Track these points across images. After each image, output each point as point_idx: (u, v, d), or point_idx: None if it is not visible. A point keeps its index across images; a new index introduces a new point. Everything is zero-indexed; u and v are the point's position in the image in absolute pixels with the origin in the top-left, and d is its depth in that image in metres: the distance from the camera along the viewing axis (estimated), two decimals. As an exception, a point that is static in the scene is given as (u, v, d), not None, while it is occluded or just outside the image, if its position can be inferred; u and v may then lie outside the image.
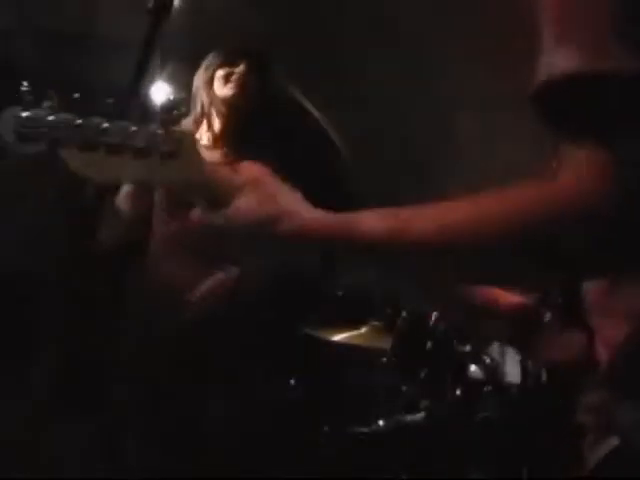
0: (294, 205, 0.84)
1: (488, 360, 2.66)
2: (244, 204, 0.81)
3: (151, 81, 3.09)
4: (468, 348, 2.66)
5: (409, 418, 2.83)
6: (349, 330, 3.15)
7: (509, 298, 1.23)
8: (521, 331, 1.17)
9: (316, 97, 5.02)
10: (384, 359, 2.83)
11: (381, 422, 2.83)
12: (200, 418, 2.15)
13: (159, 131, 0.80)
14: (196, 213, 0.83)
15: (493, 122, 3.71)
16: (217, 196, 0.82)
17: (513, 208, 0.75)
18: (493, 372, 2.64)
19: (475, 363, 2.69)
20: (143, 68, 1.17)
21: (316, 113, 5.16)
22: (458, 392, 2.60)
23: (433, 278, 0.86)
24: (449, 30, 3.55)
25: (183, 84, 2.54)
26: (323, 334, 3.13)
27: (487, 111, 3.72)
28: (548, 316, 1.15)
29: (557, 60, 0.74)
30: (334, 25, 4.08)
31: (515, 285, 0.91)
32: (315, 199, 0.89)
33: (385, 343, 2.94)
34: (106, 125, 0.81)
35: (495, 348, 2.94)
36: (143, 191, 2.42)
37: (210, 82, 2.76)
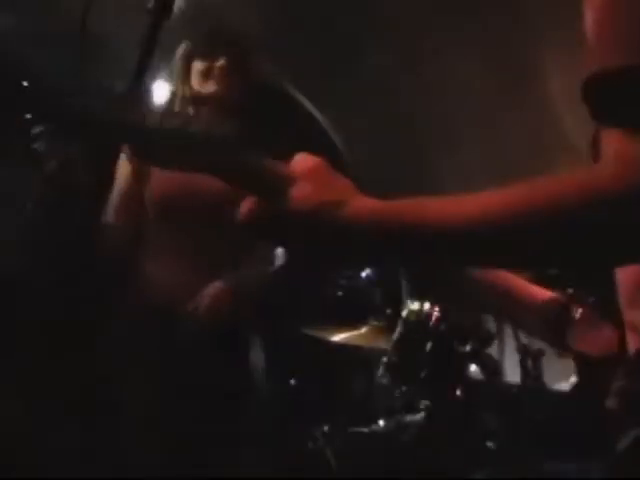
0: (351, 192, 0.87)
1: (489, 360, 2.66)
2: (303, 192, 0.84)
3: (151, 81, 3.09)
4: (468, 348, 2.66)
5: (409, 418, 2.83)
6: (349, 330, 3.14)
7: (542, 293, 1.25)
8: (554, 326, 1.19)
9: (313, 94, 5.02)
10: (384, 359, 2.83)
11: (381, 422, 2.84)
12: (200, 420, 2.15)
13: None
14: (254, 203, 0.85)
15: (492, 119, 3.71)
16: (274, 186, 0.84)
17: (559, 195, 0.78)
18: (493, 372, 2.64)
19: (475, 363, 2.69)
20: (143, 68, 1.17)
21: (312, 110, 5.16)
22: (458, 392, 2.61)
23: (480, 261, 0.92)
24: (448, 26, 3.55)
25: None
26: (323, 334, 3.13)
27: (486, 108, 3.72)
28: (580, 311, 1.17)
29: (602, 57, 0.81)
30: (332, 22, 4.08)
31: (554, 267, 0.95)
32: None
33: (385, 343, 2.94)
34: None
35: (495, 348, 2.95)
36: (131, 203, 2.39)
37: (187, 74, 2.46)
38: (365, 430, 2.80)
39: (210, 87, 2.40)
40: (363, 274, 3.61)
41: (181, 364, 2.14)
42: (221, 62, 2.42)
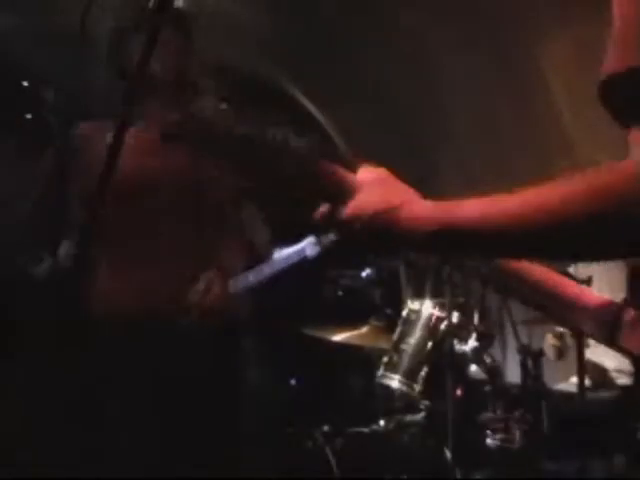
0: (410, 196, 0.97)
1: (489, 360, 2.66)
2: (368, 196, 0.95)
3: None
4: (468, 348, 2.66)
5: (409, 418, 2.83)
6: (349, 330, 3.14)
7: (591, 296, 1.31)
8: (609, 326, 1.24)
9: (314, 92, 5.02)
10: (384, 359, 2.83)
11: (381, 422, 2.84)
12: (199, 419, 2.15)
13: (291, 133, 0.97)
14: (324, 208, 0.98)
15: (493, 117, 3.70)
16: (345, 193, 0.96)
17: (590, 190, 0.83)
18: (493, 372, 2.64)
19: (475, 363, 2.69)
20: (143, 68, 1.17)
21: (312, 109, 5.17)
22: (458, 392, 2.61)
23: (520, 254, 1.02)
24: (448, 25, 3.55)
25: None
26: (323, 334, 3.13)
27: (486, 108, 3.72)
28: (630, 313, 1.21)
29: (617, 58, 0.84)
30: (332, 22, 4.08)
31: (588, 259, 1.02)
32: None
33: (385, 343, 2.94)
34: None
35: (496, 348, 2.95)
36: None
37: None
38: (365, 430, 2.80)
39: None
40: (363, 274, 3.61)
41: (180, 364, 2.14)
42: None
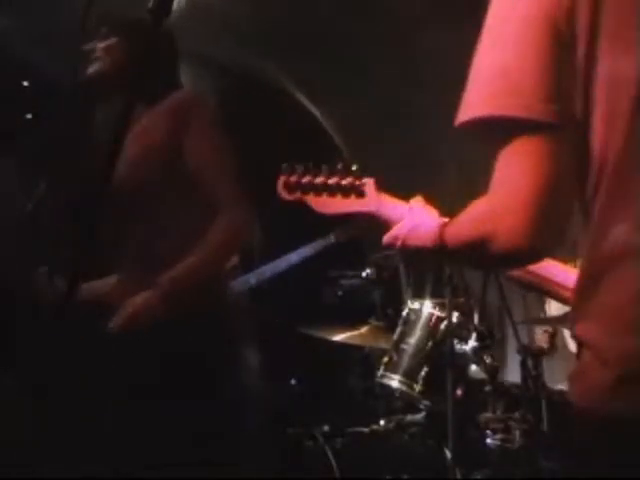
0: (435, 221, 1.41)
1: (489, 360, 2.66)
2: (401, 226, 1.46)
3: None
4: (468, 348, 2.66)
5: (409, 418, 2.84)
6: (349, 330, 3.14)
7: None
8: None
9: (314, 89, 5.02)
10: (385, 359, 2.83)
11: (381, 422, 2.84)
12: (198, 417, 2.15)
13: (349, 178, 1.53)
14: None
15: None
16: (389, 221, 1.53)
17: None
18: (493, 372, 2.64)
19: (476, 363, 2.69)
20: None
21: (312, 108, 5.17)
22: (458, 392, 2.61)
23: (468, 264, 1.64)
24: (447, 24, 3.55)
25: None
26: (323, 334, 3.13)
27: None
28: None
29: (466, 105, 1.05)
30: (332, 22, 4.08)
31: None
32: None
33: (385, 343, 2.94)
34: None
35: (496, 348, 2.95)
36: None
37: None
38: (365, 430, 2.80)
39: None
40: (363, 274, 3.61)
41: (180, 363, 2.13)
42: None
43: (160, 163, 2.14)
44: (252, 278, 3.68)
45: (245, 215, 2.14)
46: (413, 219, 1.44)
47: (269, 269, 3.73)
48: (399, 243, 1.41)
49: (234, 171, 2.15)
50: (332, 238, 3.77)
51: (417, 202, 1.52)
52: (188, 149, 2.13)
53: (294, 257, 3.76)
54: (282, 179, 1.69)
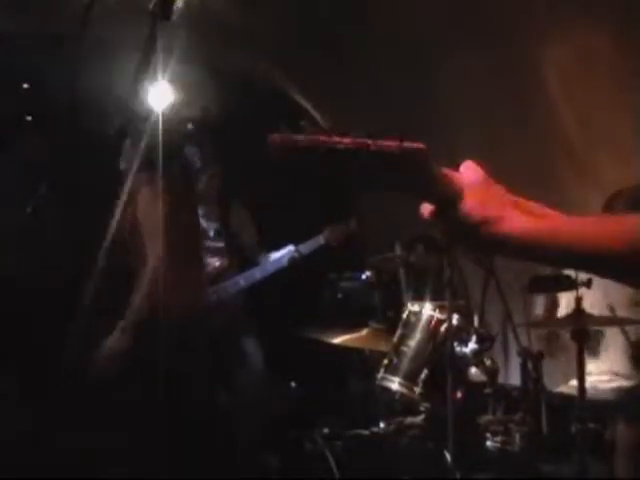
0: (508, 207, 1.03)
1: (489, 362, 2.65)
2: (472, 204, 1.01)
3: (152, 81, 3.08)
4: (468, 350, 2.66)
5: (409, 420, 2.83)
6: (349, 332, 3.14)
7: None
8: None
9: (313, 94, 5.03)
10: (384, 361, 2.82)
11: (381, 424, 2.83)
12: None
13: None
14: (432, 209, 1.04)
15: (493, 115, 3.70)
16: (448, 195, 1.00)
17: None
18: (493, 374, 2.63)
19: (475, 365, 2.69)
20: (144, 69, 1.17)
21: (314, 112, 5.17)
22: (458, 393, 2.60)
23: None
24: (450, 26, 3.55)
25: (184, 84, 2.44)
26: (324, 336, 3.13)
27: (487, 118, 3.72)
28: None
29: None
30: (333, 24, 4.08)
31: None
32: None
33: (385, 345, 2.93)
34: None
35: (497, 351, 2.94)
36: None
37: None
38: (365, 432, 2.80)
39: None
40: (363, 276, 3.61)
41: (181, 368, 2.14)
42: None
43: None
44: (242, 280, 3.68)
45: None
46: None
47: (259, 272, 3.73)
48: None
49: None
50: (321, 239, 3.76)
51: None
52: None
53: (283, 260, 3.76)
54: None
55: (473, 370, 2.73)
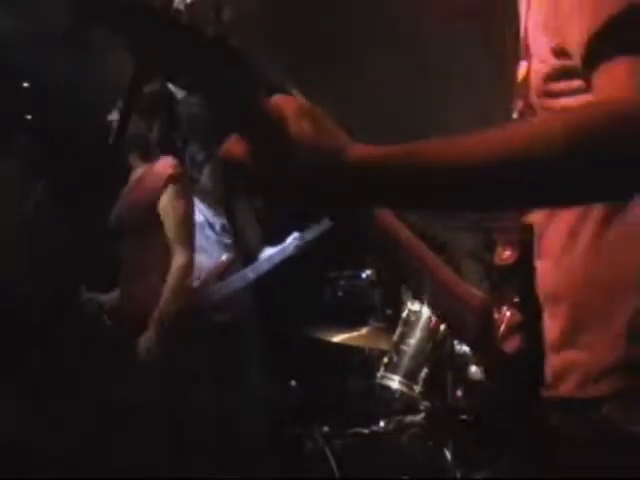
0: (347, 138, 0.78)
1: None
2: (303, 134, 0.73)
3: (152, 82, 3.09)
4: (468, 349, 2.66)
5: (409, 419, 2.83)
6: (349, 331, 3.14)
7: (474, 292, 1.22)
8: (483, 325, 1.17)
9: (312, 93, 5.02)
10: (384, 359, 2.82)
11: (381, 423, 2.83)
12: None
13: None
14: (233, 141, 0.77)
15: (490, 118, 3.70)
16: (272, 128, 0.74)
17: (576, 126, 0.76)
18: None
19: (475, 364, 2.69)
20: (144, 69, 1.17)
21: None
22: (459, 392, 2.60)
23: (494, 202, 0.83)
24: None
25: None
26: (323, 335, 3.13)
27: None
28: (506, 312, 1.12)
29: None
30: (332, 21, 4.08)
31: (577, 202, 0.87)
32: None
33: (385, 344, 2.93)
34: None
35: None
36: None
37: None
38: (365, 431, 2.80)
39: None
40: (363, 274, 3.61)
41: (180, 365, 2.14)
42: None
43: (143, 210, 2.94)
44: (250, 272, 3.67)
45: (184, 260, 2.92)
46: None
47: (265, 264, 3.71)
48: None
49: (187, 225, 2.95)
50: (326, 223, 3.74)
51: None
52: (161, 204, 2.93)
53: (289, 249, 3.75)
54: None
55: (473, 369, 2.74)
